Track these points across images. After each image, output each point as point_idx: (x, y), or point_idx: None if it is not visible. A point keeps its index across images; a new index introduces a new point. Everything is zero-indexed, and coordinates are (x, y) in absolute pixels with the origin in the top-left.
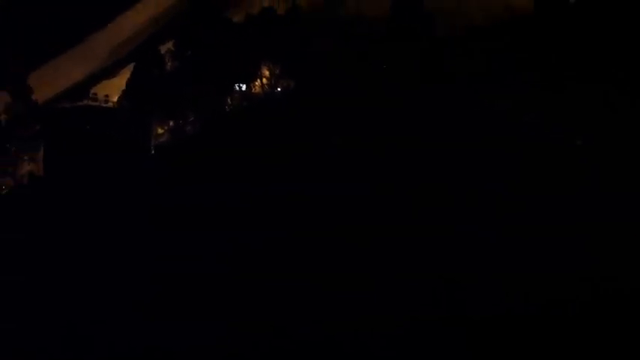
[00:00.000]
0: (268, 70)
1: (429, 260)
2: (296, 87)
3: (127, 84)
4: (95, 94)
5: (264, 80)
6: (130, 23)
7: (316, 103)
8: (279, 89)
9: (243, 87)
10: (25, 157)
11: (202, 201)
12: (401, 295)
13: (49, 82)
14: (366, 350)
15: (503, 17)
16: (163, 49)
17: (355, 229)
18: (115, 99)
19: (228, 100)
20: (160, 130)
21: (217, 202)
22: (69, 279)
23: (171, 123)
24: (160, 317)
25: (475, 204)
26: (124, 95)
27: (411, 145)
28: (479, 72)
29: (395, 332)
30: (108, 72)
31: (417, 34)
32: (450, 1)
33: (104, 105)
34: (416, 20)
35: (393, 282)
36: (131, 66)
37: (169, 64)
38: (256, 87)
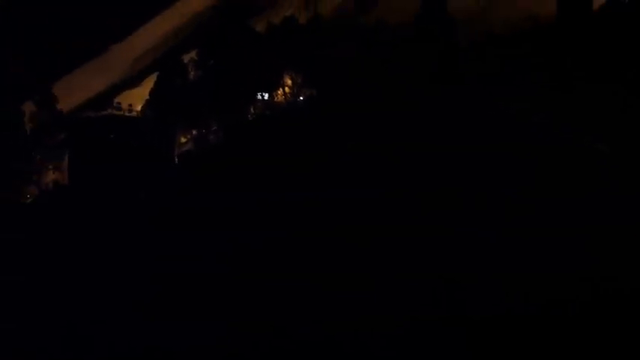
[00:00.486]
0: (290, 78)
1: (451, 259)
2: (318, 95)
3: (151, 93)
4: (119, 103)
5: (287, 89)
6: (152, 33)
7: (338, 112)
8: (301, 98)
9: (266, 96)
10: (50, 166)
11: (225, 208)
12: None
13: (73, 92)
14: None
15: (525, 25)
16: (186, 58)
17: (374, 231)
18: (139, 108)
19: (251, 109)
20: (183, 139)
21: (240, 209)
22: (91, 283)
23: (194, 132)
24: (180, 318)
25: (489, 205)
26: (148, 104)
27: (430, 148)
28: (498, 76)
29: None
30: (131, 82)
31: (439, 41)
32: (473, 8)
33: (128, 114)
34: (438, 27)
35: (404, 282)
36: (154, 75)
37: (192, 73)
38: (279, 96)
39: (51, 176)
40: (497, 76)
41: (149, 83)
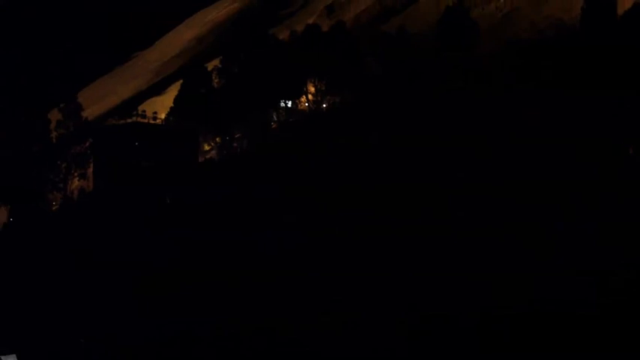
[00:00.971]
0: (314, 86)
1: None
2: (341, 102)
3: (175, 101)
4: (144, 111)
5: (310, 96)
6: (175, 42)
7: (362, 118)
8: (324, 105)
9: (289, 103)
10: (75, 173)
11: (249, 213)
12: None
13: (98, 100)
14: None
15: (549, 32)
16: (210, 66)
17: (399, 230)
18: (163, 116)
19: (274, 116)
20: (206, 147)
21: (263, 215)
22: (118, 285)
23: (218, 139)
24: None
25: (515, 209)
26: (172, 112)
27: (451, 153)
28: (522, 82)
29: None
30: (155, 89)
31: (461, 49)
32: (496, 16)
33: (153, 122)
34: (462, 35)
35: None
36: (178, 83)
37: (216, 81)
38: (302, 103)
39: (76, 183)
40: (521, 82)
41: (173, 91)
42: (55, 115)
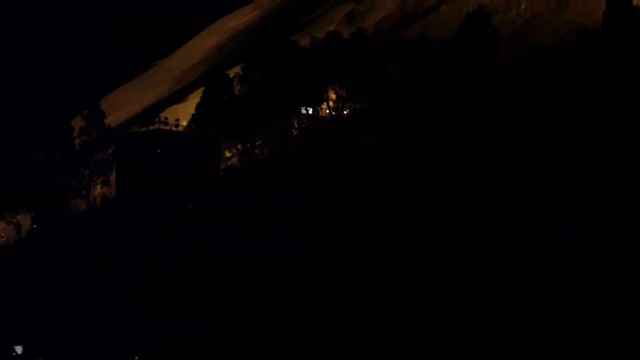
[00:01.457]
0: (334, 93)
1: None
2: (362, 109)
3: (197, 108)
4: (166, 118)
5: (331, 103)
6: (196, 49)
7: (383, 125)
8: (345, 112)
9: (310, 110)
10: (98, 180)
11: (270, 220)
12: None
13: (120, 107)
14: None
15: (571, 37)
16: (231, 73)
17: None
18: (185, 123)
19: (295, 123)
20: (228, 154)
21: (285, 220)
22: (141, 292)
23: (239, 146)
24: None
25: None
26: (194, 119)
27: (473, 159)
28: (543, 88)
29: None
30: (176, 97)
31: (483, 55)
32: (517, 23)
33: (175, 129)
34: (483, 41)
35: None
36: (199, 91)
37: (237, 88)
38: (323, 110)
39: (98, 190)
40: (543, 87)
41: (194, 99)
42: (77, 123)
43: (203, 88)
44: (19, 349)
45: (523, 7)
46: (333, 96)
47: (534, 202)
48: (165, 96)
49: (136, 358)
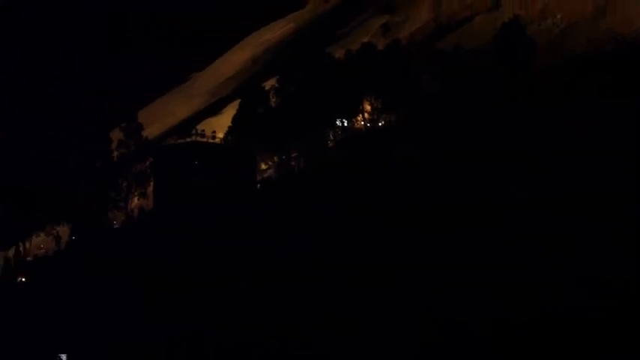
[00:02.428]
0: (370, 104)
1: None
2: (397, 121)
3: (233, 120)
4: (203, 130)
5: (366, 115)
6: (231, 63)
7: (418, 136)
8: (380, 123)
9: (345, 122)
10: (136, 192)
11: (307, 232)
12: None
13: (157, 120)
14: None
15: (608, 47)
16: (267, 86)
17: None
18: (221, 135)
19: (331, 134)
20: (263, 166)
21: (321, 233)
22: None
23: (275, 158)
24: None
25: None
26: (230, 131)
27: (507, 168)
28: (580, 98)
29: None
30: (211, 110)
31: (519, 65)
32: (553, 32)
33: (211, 141)
34: (518, 51)
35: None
36: (234, 104)
37: (273, 100)
38: (358, 121)
39: (136, 202)
40: (579, 97)
41: (229, 111)
42: (116, 135)
43: (238, 101)
44: (63, 358)
45: (559, 16)
46: (368, 107)
47: (575, 213)
48: (200, 109)
49: None
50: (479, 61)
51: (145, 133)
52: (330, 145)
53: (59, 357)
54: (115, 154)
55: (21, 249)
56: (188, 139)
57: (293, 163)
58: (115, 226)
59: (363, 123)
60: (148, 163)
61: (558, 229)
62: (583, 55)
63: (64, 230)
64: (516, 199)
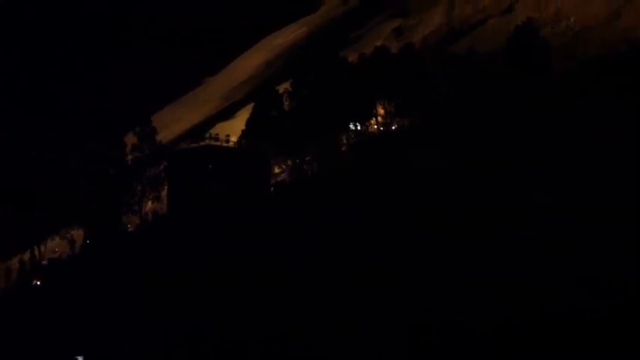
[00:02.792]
0: (383, 108)
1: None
2: (411, 124)
3: (247, 123)
4: (217, 134)
5: (379, 118)
6: (244, 67)
7: (432, 140)
8: (394, 127)
9: (359, 125)
10: (150, 196)
11: (320, 236)
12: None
13: (171, 124)
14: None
15: (622, 49)
16: (280, 90)
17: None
18: (236, 139)
19: (344, 138)
20: (277, 169)
21: (335, 237)
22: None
23: (289, 162)
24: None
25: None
26: (244, 135)
27: (523, 172)
28: (594, 100)
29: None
30: (224, 114)
31: (533, 68)
32: (567, 35)
33: (225, 145)
34: (532, 54)
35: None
36: (247, 108)
37: (287, 103)
38: (371, 125)
39: (149, 205)
40: (594, 99)
41: (242, 116)
42: (130, 139)
43: (251, 105)
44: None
45: (572, 19)
46: (382, 111)
47: (594, 217)
48: (213, 113)
49: None
50: (492, 65)
51: (158, 138)
52: (343, 148)
53: (76, 359)
54: (130, 157)
55: (36, 252)
56: (202, 143)
57: (306, 166)
58: (130, 230)
59: (376, 127)
60: (162, 167)
61: (576, 232)
62: (597, 57)
63: (78, 234)
64: (537, 203)
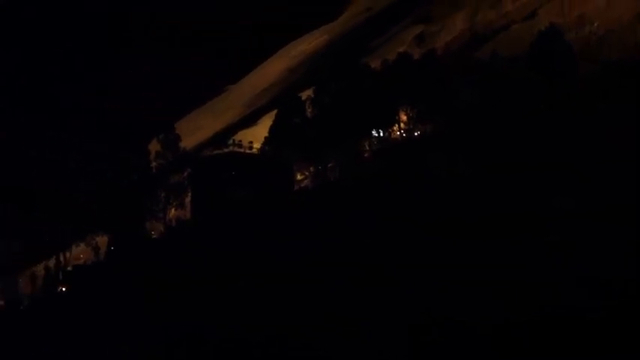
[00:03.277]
0: (406, 114)
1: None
2: (434, 131)
3: (270, 130)
4: (240, 140)
5: (402, 125)
6: (266, 74)
7: (455, 146)
8: (417, 133)
9: (381, 132)
10: (174, 203)
11: (343, 242)
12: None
13: (194, 131)
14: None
15: None
16: (303, 96)
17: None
18: (259, 146)
19: (367, 145)
20: (299, 176)
21: (356, 244)
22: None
23: (311, 168)
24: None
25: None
26: (267, 142)
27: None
28: (616, 105)
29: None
30: (246, 122)
31: (556, 73)
32: (591, 40)
33: (249, 151)
34: (556, 59)
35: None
36: (270, 115)
37: (309, 110)
38: (394, 132)
39: (173, 212)
40: (618, 103)
41: (264, 123)
42: (154, 146)
43: (273, 112)
44: None
45: (596, 24)
46: (404, 117)
47: (614, 221)
48: (235, 120)
49: None
50: (515, 70)
51: (182, 145)
52: (366, 155)
53: None
54: (153, 165)
55: (61, 259)
56: (225, 150)
57: (329, 173)
58: (154, 237)
59: (399, 133)
60: (185, 174)
61: (595, 236)
62: (621, 62)
63: (103, 241)
64: (560, 209)
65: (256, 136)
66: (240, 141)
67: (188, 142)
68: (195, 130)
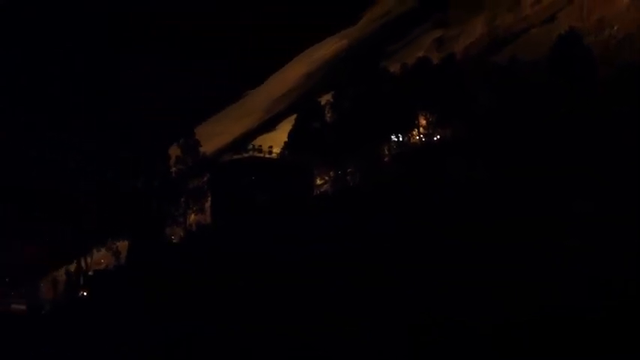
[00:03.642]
0: (425, 119)
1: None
2: (453, 135)
3: (289, 135)
4: (260, 145)
5: (421, 129)
6: (285, 79)
7: (474, 150)
8: (436, 138)
9: (401, 136)
10: (194, 208)
11: (363, 247)
12: None
13: (214, 136)
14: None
15: None
16: (322, 101)
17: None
18: (278, 150)
19: (386, 149)
20: (319, 181)
21: (376, 249)
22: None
23: (331, 173)
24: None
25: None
26: (287, 146)
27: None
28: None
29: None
30: (265, 127)
31: (576, 77)
32: (610, 44)
33: (268, 156)
34: (575, 63)
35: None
36: (289, 119)
37: (329, 115)
38: (413, 136)
39: (193, 217)
40: (634, 107)
41: (283, 128)
42: (174, 151)
43: (292, 117)
44: None
45: (616, 27)
46: (424, 122)
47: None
48: (255, 125)
49: None
50: (535, 74)
51: (202, 150)
52: (385, 159)
53: None
54: (173, 170)
55: (82, 264)
56: (245, 155)
57: (348, 178)
58: (174, 241)
59: (418, 137)
60: (205, 179)
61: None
62: (638, 64)
63: (123, 245)
64: (578, 212)
65: (276, 141)
66: (260, 146)
67: (208, 147)
68: (214, 135)
